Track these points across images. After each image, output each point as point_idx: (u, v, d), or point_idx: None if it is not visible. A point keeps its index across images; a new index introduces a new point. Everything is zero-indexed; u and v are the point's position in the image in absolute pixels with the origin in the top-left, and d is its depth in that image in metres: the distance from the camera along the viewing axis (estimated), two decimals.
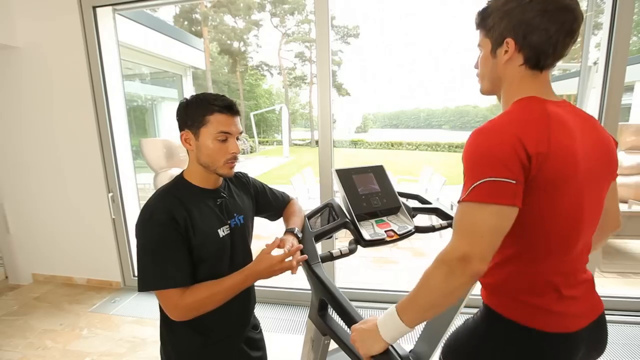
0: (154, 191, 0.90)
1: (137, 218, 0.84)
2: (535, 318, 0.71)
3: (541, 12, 0.64)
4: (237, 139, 0.90)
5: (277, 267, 0.86)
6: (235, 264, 0.96)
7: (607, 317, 0.78)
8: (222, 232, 0.92)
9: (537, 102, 0.67)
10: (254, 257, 1.05)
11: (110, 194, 2.64)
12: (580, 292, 0.74)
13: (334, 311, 0.86)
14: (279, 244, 0.92)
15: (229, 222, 0.94)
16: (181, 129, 0.89)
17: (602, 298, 0.78)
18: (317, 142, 2.30)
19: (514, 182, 0.60)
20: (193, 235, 0.84)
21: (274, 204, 1.13)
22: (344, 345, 0.81)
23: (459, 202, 0.65)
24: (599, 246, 0.85)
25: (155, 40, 4.62)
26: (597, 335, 0.76)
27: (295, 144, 22.50)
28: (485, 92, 0.80)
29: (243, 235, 1.00)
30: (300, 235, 0.96)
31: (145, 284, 0.80)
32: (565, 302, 0.71)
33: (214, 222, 0.90)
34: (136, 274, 2.79)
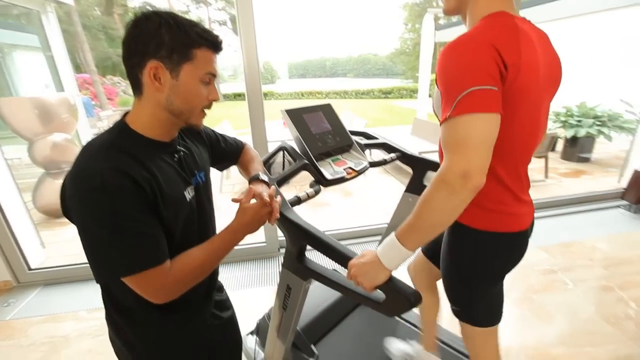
0: (81, 149, 0.63)
1: (69, 189, 0.60)
2: (501, 223, 0.80)
3: None
4: None
5: (263, 213, 0.75)
6: (203, 232, 0.81)
7: None
8: (188, 194, 0.74)
9: (507, 16, 0.68)
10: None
11: None
12: (528, 195, 0.86)
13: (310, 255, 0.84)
14: (251, 194, 0.79)
15: (191, 181, 0.77)
16: (144, 57, 0.62)
17: None
18: (224, 96, 2.07)
19: (496, 89, 0.61)
20: (162, 205, 0.65)
21: (228, 153, 0.98)
22: (334, 283, 0.80)
23: (442, 121, 0.64)
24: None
25: None
26: (532, 227, 0.90)
27: None
28: (449, 10, 0.78)
29: (208, 195, 0.84)
30: (266, 179, 0.86)
31: (116, 270, 0.60)
32: (521, 205, 0.82)
33: (179, 185, 0.72)
34: (77, 261, 2.32)
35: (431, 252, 1.13)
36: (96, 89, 11.09)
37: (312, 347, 1.46)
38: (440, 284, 1.06)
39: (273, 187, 0.83)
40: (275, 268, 2.39)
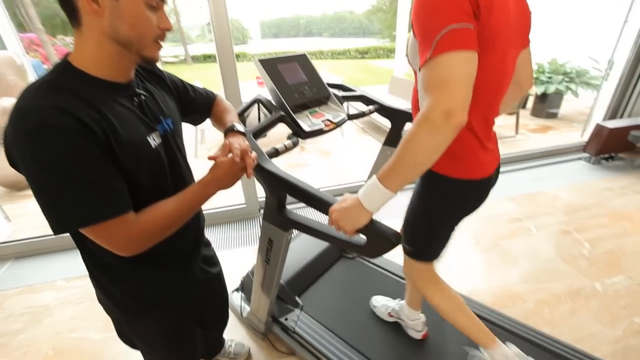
0: (20, 93, 0.55)
1: (9, 134, 0.53)
2: (466, 170, 0.84)
3: None
4: None
5: (237, 169, 0.71)
6: (179, 183, 0.76)
7: None
8: (153, 140, 0.67)
9: None
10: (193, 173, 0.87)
11: None
12: (494, 144, 0.90)
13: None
14: (227, 149, 0.75)
15: (156, 127, 0.70)
16: None
17: None
18: (192, 58, 1.94)
19: (472, 27, 0.61)
20: (118, 149, 0.58)
21: (199, 103, 0.90)
22: (315, 231, 0.81)
23: (422, 65, 0.63)
24: (516, 102, 0.99)
25: None
26: (496, 176, 0.96)
27: (167, 62, 18.83)
28: None
29: (178, 145, 0.78)
30: (242, 130, 0.83)
31: (71, 221, 0.55)
32: (486, 153, 0.86)
33: (140, 129, 0.65)
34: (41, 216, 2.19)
35: None
36: (46, 50, 10.00)
37: (297, 298, 1.53)
38: None
39: (247, 143, 0.79)
40: (255, 229, 2.41)
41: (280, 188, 0.82)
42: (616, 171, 3.01)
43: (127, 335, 0.87)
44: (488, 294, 1.74)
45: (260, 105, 1.05)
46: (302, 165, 3.60)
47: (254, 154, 0.75)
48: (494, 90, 0.78)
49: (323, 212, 0.74)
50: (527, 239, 2.16)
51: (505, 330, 1.38)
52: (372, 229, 0.68)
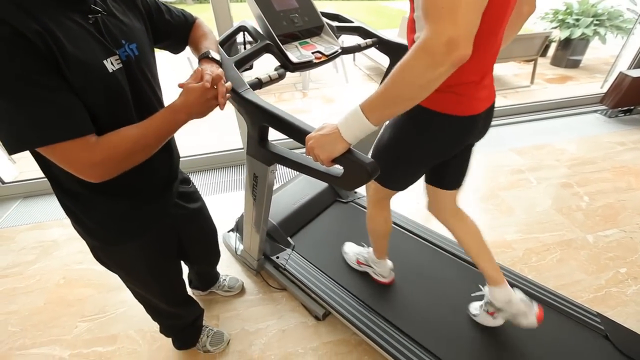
0: None
1: None
2: (457, 106, 0.78)
3: None
4: None
5: (210, 96, 0.67)
6: (145, 115, 0.70)
7: None
8: (111, 65, 0.61)
9: None
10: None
11: None
12: (489, 80, 0.82)
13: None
14: (199, 75, 0.70)
15: (117, 51, 0.63)
16: None
17: None
18: None
19: None
20: (65, 68, 0.53)
21: (175, 27, 0.82)
22: (296, 164, 0.79)
23: None
24: (515, 33, 0.89)
25: None
26: (488, 118, 0.90)
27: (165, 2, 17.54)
28: None
29: (145, 74, 0.71)
30: (217, 58, 0.77)
31: (25, 140, 0.52)
32: (482, 89, 0.79)
33: (95, 50, 0.59)
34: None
35: (430, 177, 1.10)
36: None
37: (289, 239, 1.57)
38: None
39: (220, 69, 0.74)
40: None
41: (259, 117, 0.79)
42: (632, 125, 2.86)
43: (105, 261, 0.90)
44: None
45: (246, 33, 0.97)
46: (304, 111, 3.51)
47: (228, 84, 0.70)
48: (495, 20, 0.68)
49: (300, 142, 0.71)
50: (526, 190, 2.14)
51: None
52: (348, 158, 0.65)
